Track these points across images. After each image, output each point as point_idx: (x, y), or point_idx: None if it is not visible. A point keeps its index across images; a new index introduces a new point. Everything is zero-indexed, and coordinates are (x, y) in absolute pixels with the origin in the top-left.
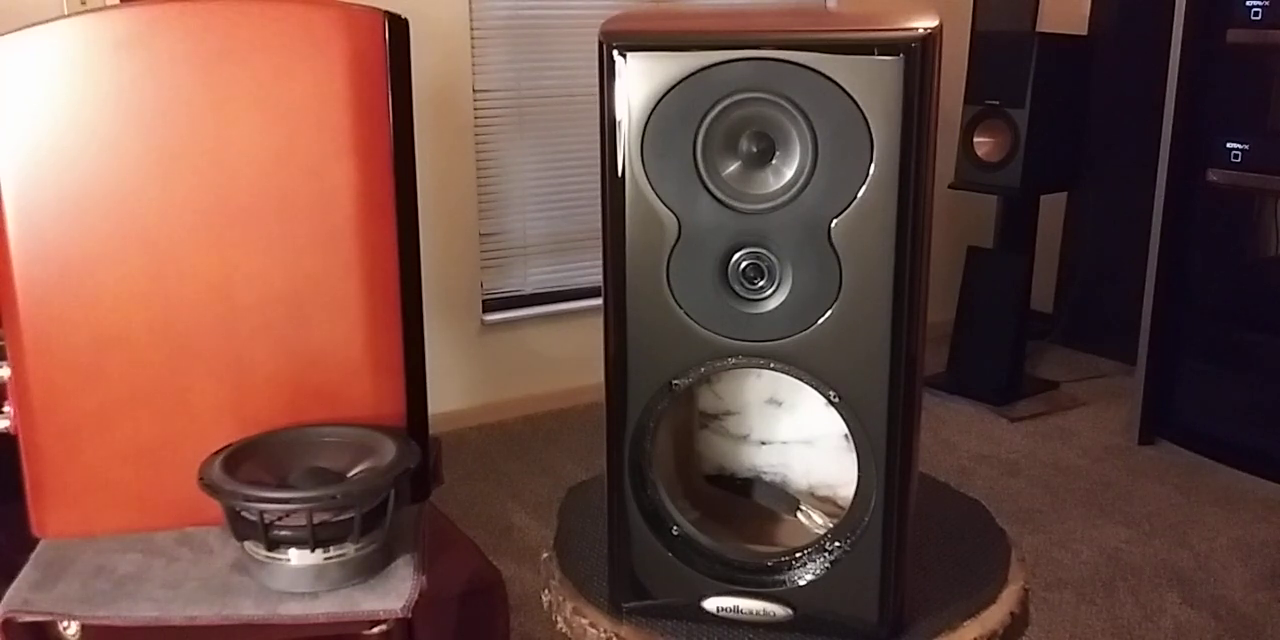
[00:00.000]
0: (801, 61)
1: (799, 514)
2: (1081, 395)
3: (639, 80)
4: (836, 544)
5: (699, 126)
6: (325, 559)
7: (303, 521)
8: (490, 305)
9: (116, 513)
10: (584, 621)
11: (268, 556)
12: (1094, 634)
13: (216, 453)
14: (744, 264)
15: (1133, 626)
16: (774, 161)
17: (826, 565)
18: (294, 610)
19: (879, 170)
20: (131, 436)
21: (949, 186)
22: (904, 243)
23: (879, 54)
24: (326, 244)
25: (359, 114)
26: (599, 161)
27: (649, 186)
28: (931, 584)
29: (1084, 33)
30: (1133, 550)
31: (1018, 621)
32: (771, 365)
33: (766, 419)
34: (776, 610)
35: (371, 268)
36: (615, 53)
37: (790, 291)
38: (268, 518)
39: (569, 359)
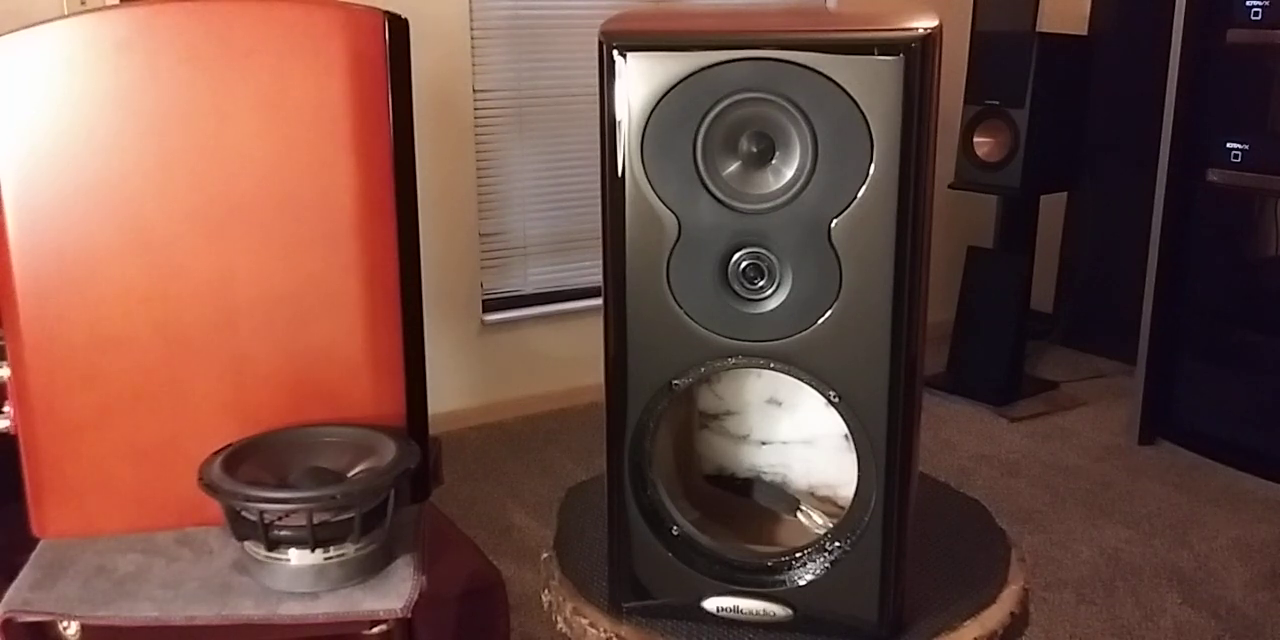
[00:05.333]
0: (801, 61)
1: (799, 514)
2: (1081, 395)
3: (639, 80)
4: (836, 544)
5: (699, 127)
6: (325, 559)
7: (303, 521)
8: (490, 305)
9: (116, 513)
10: (584, 621)
11: (268, 556)
12: (1094, 634)
13: (216, 452)
14: (744, 264)
15: (1133, 626)
16: (774, 161)
17: (826, 565)
18: (294, 610)
19: (879, 170)
20: (131, 436)
21: (949, 186)
22: (904, 243)
23: (879, 54)
24: (326, 244)
25: (359, 114)
26: (599, 161)
27: (649, 186)
28: (931, 584)
29: (1084, 33)
30: (1133, 550)
31: (1018, 621)
32: (771, 365)
33: (766, 419)
34: (776, 610)
35: (371, 268)
36: (615, 53)
37: (790, 291)
38: (268, 518)
39: (569, 359)
